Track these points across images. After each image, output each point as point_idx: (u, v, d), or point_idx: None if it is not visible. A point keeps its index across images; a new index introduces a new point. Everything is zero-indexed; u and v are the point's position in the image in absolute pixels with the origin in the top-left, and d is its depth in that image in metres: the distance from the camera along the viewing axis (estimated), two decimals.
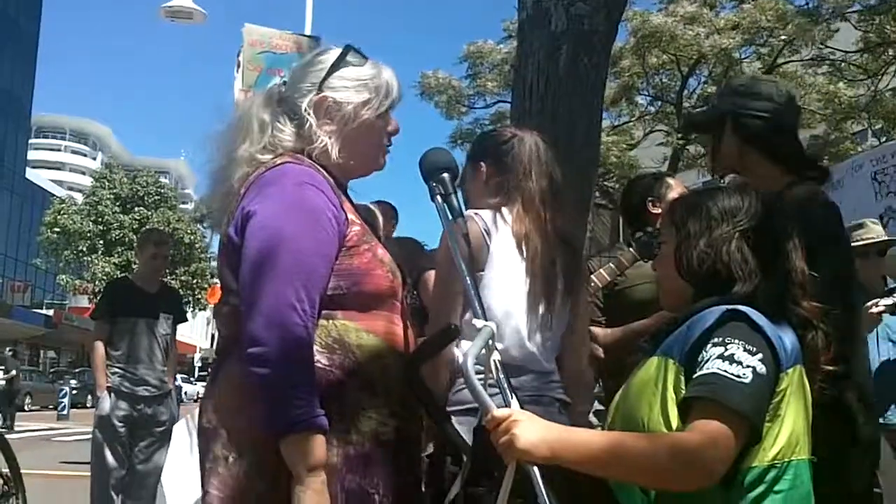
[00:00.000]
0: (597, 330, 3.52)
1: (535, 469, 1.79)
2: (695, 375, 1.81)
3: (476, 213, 2.59)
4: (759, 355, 1.80)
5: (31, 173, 59.44)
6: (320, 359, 1.99)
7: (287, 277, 1.92)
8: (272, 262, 1.94)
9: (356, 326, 2.05)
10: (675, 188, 3.77)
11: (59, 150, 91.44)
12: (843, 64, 17.87)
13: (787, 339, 1.90)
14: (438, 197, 2.24)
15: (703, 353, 1.83)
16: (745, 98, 2.96)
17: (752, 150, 2.89)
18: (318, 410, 1.90)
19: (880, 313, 4.71)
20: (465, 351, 1.85)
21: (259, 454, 1.96)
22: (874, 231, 5.30)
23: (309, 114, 2.15)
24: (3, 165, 52.02)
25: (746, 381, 1.76)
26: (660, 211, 3.61)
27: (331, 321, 2.03)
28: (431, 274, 3.08)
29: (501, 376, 1.92)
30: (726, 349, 1.80)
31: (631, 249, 3.26)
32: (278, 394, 1.87)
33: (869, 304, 4.70)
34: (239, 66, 7.40)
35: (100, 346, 6.24)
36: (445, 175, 2.26)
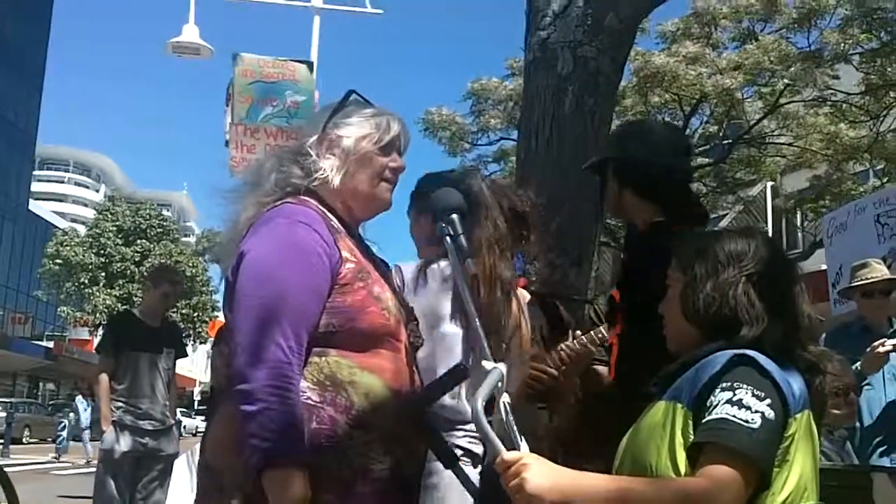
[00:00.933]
0: (601, 369, 3.52)
1: None
2: (703, 420, 1.82)
3: (398, 266, 2.63)
4: (768, 400, 1.81)
5: (34, 205, 59.48)
6: (311, 395, 2.01)
7: (272, 315, 1.96)
8: (258, 299, 1.98)
9: (349, 363, 2.06)
10: None
11: (62, 181, 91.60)
12: (844, 105, 17.96)
13: (795, 383, 1.90)
14: (447, 238, 2.25)
15: (712, 397, 1.83)
16: (624, 141, 3.07)
17: (628, 193, 2.95)
18: (301, 447, 1.92)
19: (887, 353, 4.70)
20: (474, 393, 1.86)
21: (255, 491, 1.95)
22: (878, 270, 5.31)
23: (311, 148, 2.21)
24: (8, 197, 52.11)
25: (755, 426, 1.76)
26: None
27: (323, 358, 2.05)
28: None
29: (511, 418, 1.93)
30: (735, 394, 1.81)
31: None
32: (260, 429, 1.89)
33: (875, 343, 4.70)
34: (229, 99, 7.24)
35: (105, 380, 6.23)
36: (455, 216, 2.28)
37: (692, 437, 1.84)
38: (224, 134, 7.38)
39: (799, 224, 21.33)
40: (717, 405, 1.81)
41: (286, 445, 1.89)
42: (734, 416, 1.77)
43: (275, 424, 1.89)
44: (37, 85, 55.35)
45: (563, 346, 3.07)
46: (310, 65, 7.61)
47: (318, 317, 2.04)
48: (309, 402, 1.99)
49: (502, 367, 1.95)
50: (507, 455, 1.82)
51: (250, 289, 2.01)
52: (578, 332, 3.14)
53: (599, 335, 3.16)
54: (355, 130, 2.22)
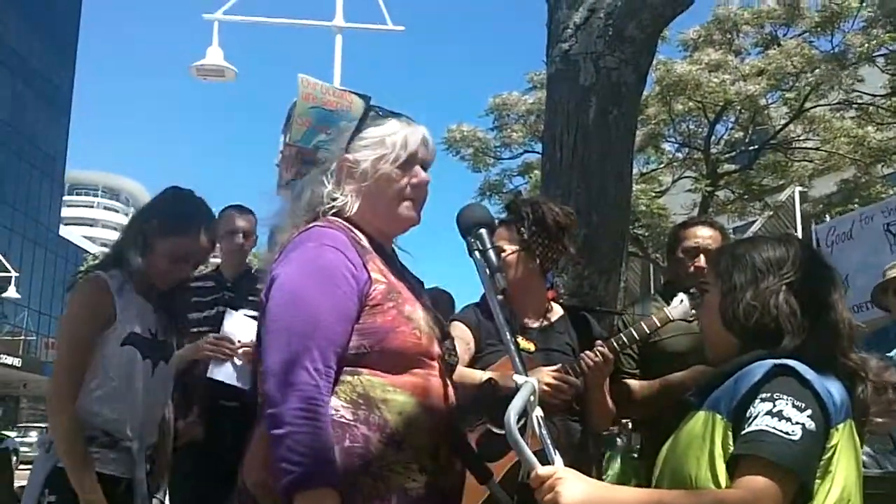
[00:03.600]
0: (632, 383, 3.50)
1: None
2: (743, 432, 1.79)
3: None
4: (809, 411, 1.78)
5: (64, 230, 60.11)
6: (345, 414, 2.02)
7: (301, 339, 1.97)
8: (286, 322, 2.00)
9: (382, 382, 2.07)
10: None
11: (91, 206, 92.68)
12: (871, 107, 17.81)
13: (836, 393, 1.87)
14: (476, 252, 2.25)
15: (751, 408, 1.81)
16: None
17: None
18: (331, 468, 1.92)
19: None
20: (508, 407, 1.85)
21: None
22: None
23: (331, 178, 2.23)
24: (38, 223, 52.73)
25: (795, 437, 1.74)
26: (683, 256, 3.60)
27: (356, 377, 2.06)
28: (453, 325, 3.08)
29: (544, 432, 1.92)
30: (775, 405, 1.78)
31: (666, 309, 3.23)
32: (289, 453, 1.90)
33: None
34: (289, 119, 7.69)
35: None
36: (483, 231, 2.27)
37: (731, 448, 1.82)
38: (277, 154, 7.61)
39: None
40: (756, 416, 1.78)
41: (315, 468, 1.90)
42: (774, 428, 1.75)
43: (303, 447, 1.89)
44: (65, 111, 56.04)
45: (582, 355, 3.07)
46: (367, 99, 7.83)
47: (347, 339, 2.04)
48: (342, 420, 2.00)
49: (534, 380, 1.94)
50: (542, 470, 1.82)
51: (279, 313, 2.03)
52: (598, 342, 3.13)
53: (620, 342, 3.15)
54: (370, 153, 2.22)
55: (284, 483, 1.90)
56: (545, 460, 1.87)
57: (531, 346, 3.15)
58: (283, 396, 1.92)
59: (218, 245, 4.27)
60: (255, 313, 4.14)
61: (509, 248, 3.20)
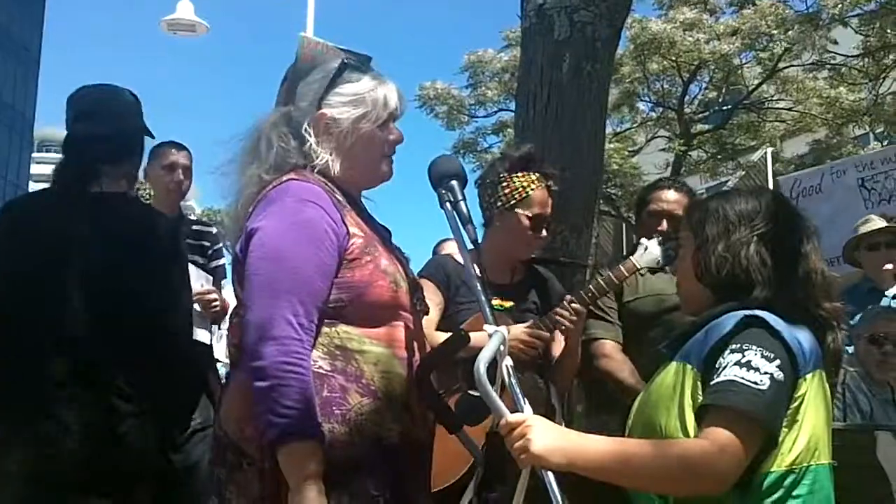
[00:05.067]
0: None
1: (550, 474, 1.80)
2: (712, 382, 1.81)
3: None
4: (777, 361, 1.80)
5: (33, 187, 59.39)
6: (323, 364, 2.03)
7: (283, 292, 1.98)
8: (269, 278, 2.00)
9: (359, 334, 2.08)
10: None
11: None
12: (843, 68, 17.86)
13: (805, 343, 1.89)
14: (448, 204, 2.25)
15: (721, 359, 1.83)
16: None
17: None
18: (314, 421, 1.94)
19: None
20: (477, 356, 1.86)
21: (269, 461, 1.98)
22: (879, 223, 5.17)
23: (309, 133, 2.19)
24: (6, 181, 52.00)
25: (763, 387, 1.76)
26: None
27: (333, 328, 2.07)
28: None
29: (514, 381, 1.93)
30: (744, 356, 1.80)
31: (632, 258, 3.18)
32: (273, 405, 1.91)
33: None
34: (284, 82, 7.72)
35: None
36: (454, 182, 2.27)
37: (700, 398, 1.84)
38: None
39: None
40: (725, 367, 1.80)
41: (299, 421, 1.91)
42: (743, 378, 1.77)
43: (287, 400, 1.91)
44: (32, 68, 55.09)
45: (556, 311, 3.06)
46: (368, 59, 8.03)
47: (328, 294, 2.05)
48: (320, 370, 2.02)
49: (504, 330, 1.95)
50: (511, 417, 1.83)
51: (261, 267, 2.03)
52: (568, 296, 3.12)
53: (589, 294, 3.12)
54: (352, 111, 2.20)
55: (270, 436, 1.92)
56: (515, 410, 1.89)
57: (508, 304, 3.16)
58: (266, 350, 1.93)
59: (148, 181, 4.17)
60: (196, 259, 4.10)
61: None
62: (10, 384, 2.75)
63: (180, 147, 4.35)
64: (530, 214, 3.17)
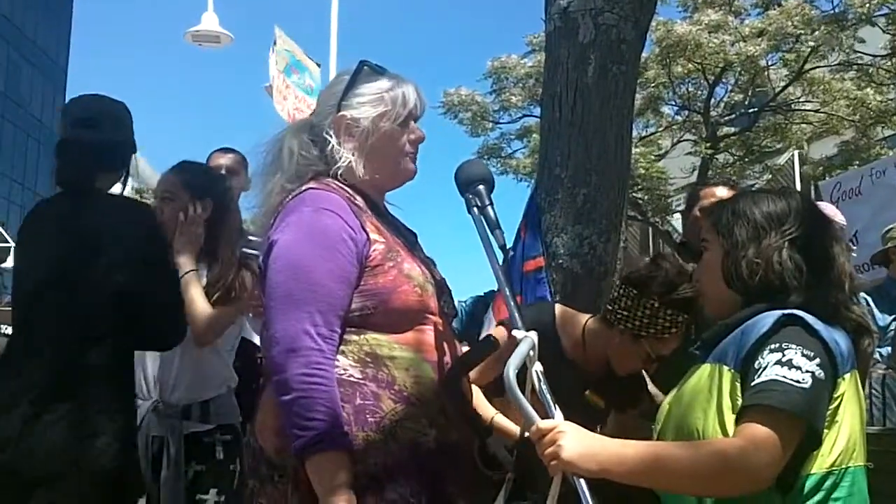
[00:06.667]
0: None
1: (582, 481, 1.77)
2: (753, 383, 1.77)
3: None
4: (818, 360, 1.77)
5: None
6: (354, 372, 2.02)
7: (302, 304, 1.98)
8: (286, 290, 2.00)
9: (388, 340, 2.07)
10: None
11: None
12: (871, 69, 17.70)
13: (842, 343, 1.86)
14: (475, 209, 2.22)
15: (760, 359, 1.79)
16: None
17: None
18: (340, 430, 1.93)
19: None
20: (506, 362, 1.84)
21: (299, 474, 1.97)
22: None
23: (330, 135, 2.18)
24: (37, 194, 52.35)
25: (806, 385, 1.73)
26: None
27: (362, 336, 2.06)
28: None
29: (544, 387, 1.90)
30: (784, 354, 1.77)
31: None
32: (297, 418, 1.92)
33: None
34: (273, 50, 8.61)
35: None
36: (481, 187, 2.24)
37: (739, 399, 1.80)
38: (268, 82, 8.62)
39: None
40: (766, 367, 1.77)
41: (325, 431, 1.91)
42: (784, 377, 1.73)
43: (311, 412, 1.91)
44: (60, 84, 55.79)
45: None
46: (318, 65, 9.25)
47: (349, 302, 2.04)
48: (351, 379, 2.02)
49: (534, 335, 1.93)
50: (542, 423, 1.81)
51: (279, 280, 2.02)
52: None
53: None
54: (371, 110, 2.19)
55: (296, 448, 1.92)
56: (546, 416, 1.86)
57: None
58: (287, 363, 1.94)
59: None
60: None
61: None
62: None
63: (225, 150, 4.43)
64: (654, 356, 2.84)
